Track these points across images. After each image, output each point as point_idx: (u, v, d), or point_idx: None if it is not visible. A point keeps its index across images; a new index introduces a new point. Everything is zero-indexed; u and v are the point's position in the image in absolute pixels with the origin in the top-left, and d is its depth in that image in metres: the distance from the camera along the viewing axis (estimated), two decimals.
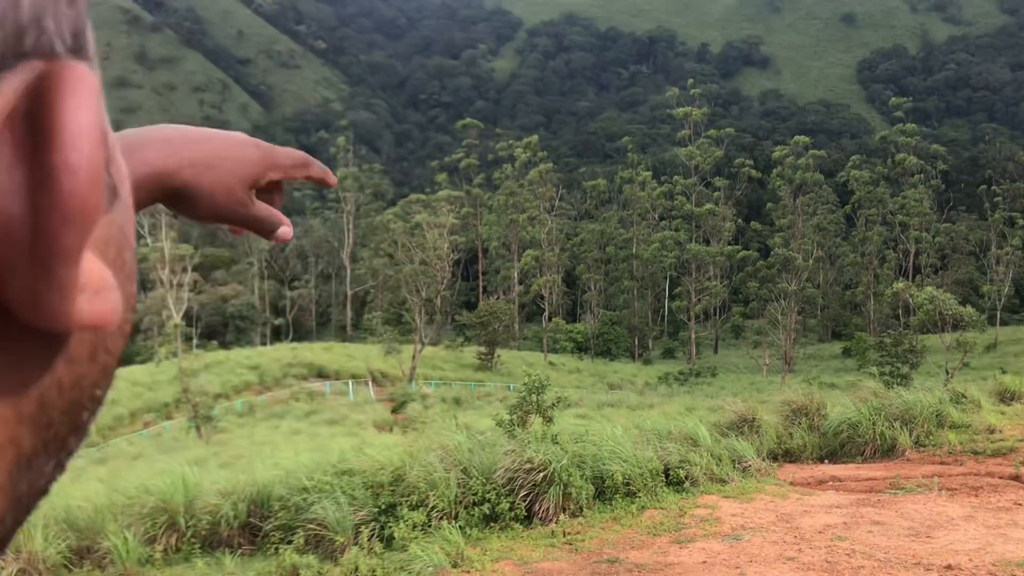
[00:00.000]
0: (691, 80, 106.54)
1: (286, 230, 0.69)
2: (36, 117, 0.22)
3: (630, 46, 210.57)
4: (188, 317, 57.31)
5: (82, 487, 9.83)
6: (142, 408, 39.76)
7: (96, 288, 0.26)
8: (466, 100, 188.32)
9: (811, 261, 73.73)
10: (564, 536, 7.66)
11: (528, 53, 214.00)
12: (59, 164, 0.22)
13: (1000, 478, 8.91)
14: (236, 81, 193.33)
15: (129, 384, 42.38)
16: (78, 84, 0.23)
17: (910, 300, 45.94)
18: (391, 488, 8.28)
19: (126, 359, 53.57)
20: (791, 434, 11.16)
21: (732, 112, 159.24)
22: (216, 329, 68.77)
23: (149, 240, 54.61)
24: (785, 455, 10.88)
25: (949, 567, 6.13)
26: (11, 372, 0.25)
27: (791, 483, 9.34)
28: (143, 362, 51.37)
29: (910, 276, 76.54)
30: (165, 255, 51.30)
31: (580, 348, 70.55)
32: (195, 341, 55.50)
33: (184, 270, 53.17)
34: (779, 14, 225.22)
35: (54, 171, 0.22)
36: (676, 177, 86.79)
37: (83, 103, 0.23)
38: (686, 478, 8.92)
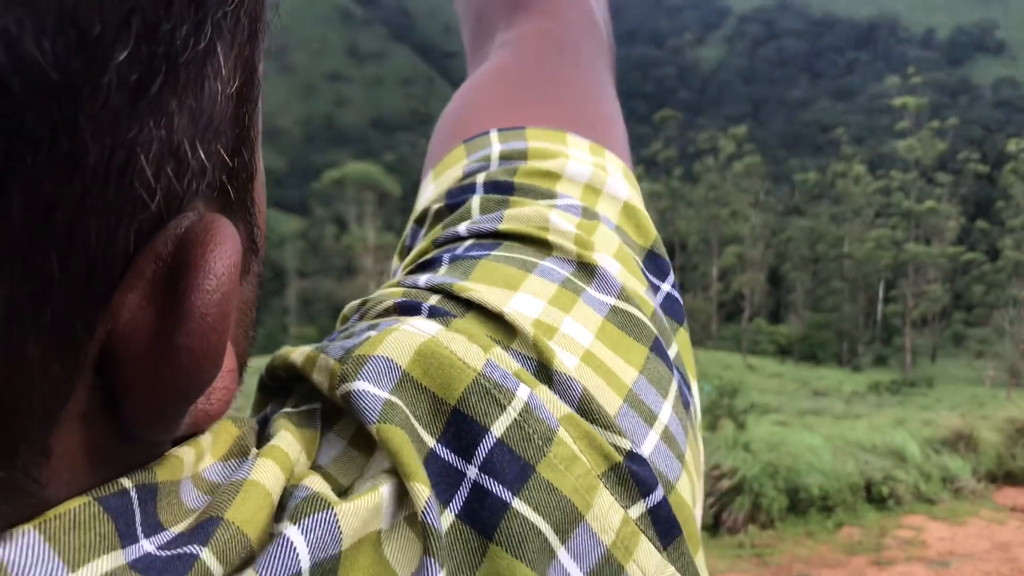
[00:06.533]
0: (911, 68, 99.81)
1: None
2: (176, 266, 0.24)
3: (848, 32, 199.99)
4: None
5: None
6: None
7: (209, 393, 0.29)
8: (668, 90, 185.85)
9: None
10: (752, 548, 7.44)
11: (737, 41, 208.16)
12: (182, 344, 0.24)
13: None
14: (442, 75, 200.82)
15: None
16: (221, 243, 0.24)
17: None
18: None
19: None
20: (1014, 455, 10.24)
21: (960, 102, 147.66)
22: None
23: (355, 228, 57.87)
24: (1005, 478, 10.01)
25: None
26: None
27: (1011, 508, 8.59)
28: None
29: None
30: (369, 243, 54.07)
31: (782, 351, 68.02)
32: None
33: (387, 258, 55.87)
34: None
35: (178, 348, 0.24)
36: (894, 172, 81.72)
37: (219, 267, 0.24)
38: (889, 495, 8.42)
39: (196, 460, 0.29)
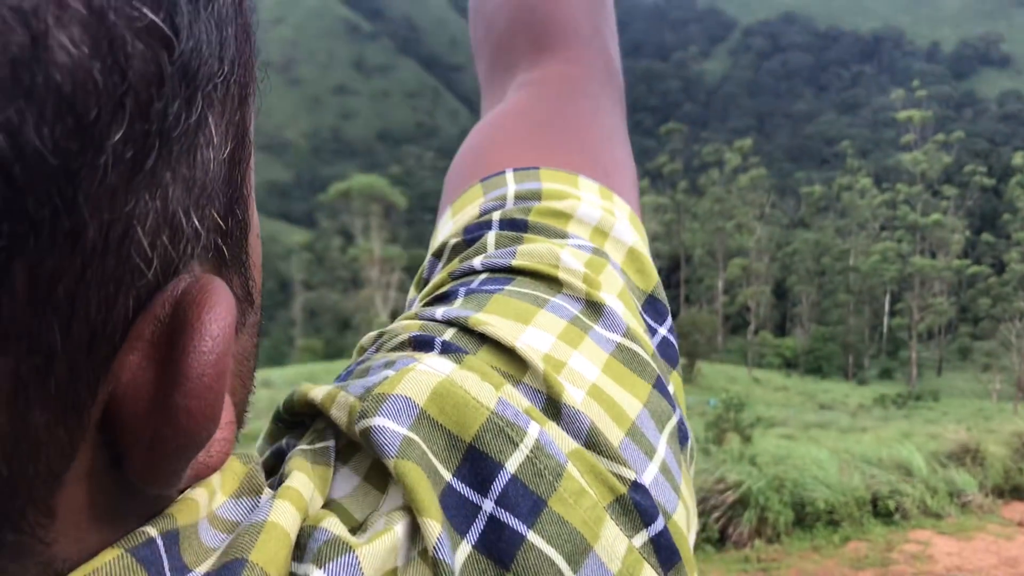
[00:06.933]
0: (916, 81, 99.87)
1: None
2: (173, 328, 0.25)
3: (853, 45, 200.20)
4: (394, 316, 60.08)
5: None
6: None
7: (209, 446, 0.29)
8: (673, 103, 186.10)
9: None
10: (759, 562, 7.42)
11: (741, 54, 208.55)
12: (180, 404, 0.24)
13: None
14: (447, 88, 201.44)
15: None
16: (215, 306, 0.25)
17: None
18: None
19: (336, 353, 57.24)
20: (1021, 469, 10.20)
21: (965, 115, 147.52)
22: None
23: (360, 240, 57.93)
24: (1013, 492, 9.97)
25: None
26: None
27: (1019, 523, 8.56)
28: (351, 356, 54.64)
29: None
30: (375, 255, 54.08)
31: (788, 364, 67.82)
32: None
33: (392, 270, 55.85)
34: (1023, 8, 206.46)
35: (176, 408, 0.24)
36: (899, 185, 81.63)
37: (215, 329, 0.25)
38: (896, 509, 8.39)
39: (209, 499, 0.30)
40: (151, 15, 0.20)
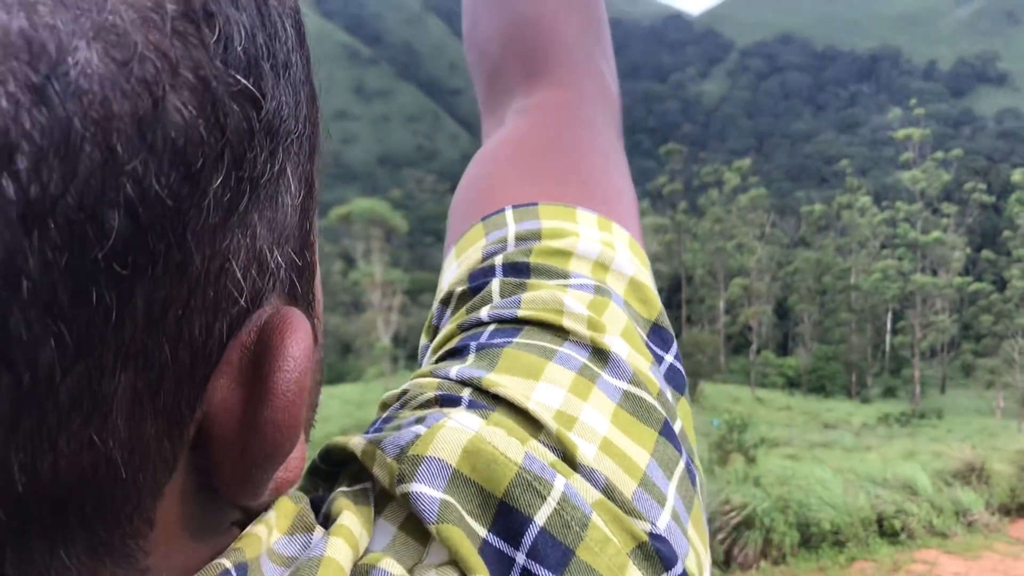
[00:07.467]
0: (913, 100, 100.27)
1: None
2: (258, 353, 0.28)
3: (850, 65, 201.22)
4: (395, 339, 60.19)
5: None
6: (352, 426, 42.11)
7: (287, 463, 0.33)
8: (672, 125, 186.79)
9: None
10: None
11: (739, 75, 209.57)
12: (268, 418, 0.28)
13: None
14: (447, 111, 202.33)
15: (340, 402, 45.16)
16: (295, 331, 0.29)
17: None
18: None
19: (337, 377, 57.05)
20: None
21: (963, 133, 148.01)
22: None
23: (361, 264, 57.95)
24: (1019, 510, 9.92)
25: None
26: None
27: None
28: (353, 381, 54.30)
29: None
30: (376, 279, 54.07)
31: (791, 384, 67.55)
32: (401, 363, 58.17)
33: (394, 293, 55.81)
34: (1019, 26, 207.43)
35: (264, 422, 0.28)
36: (899, 203, 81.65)
37: (296, 351, 0.28)
38: (902, 529, 8.36)
39: (268, 535, 0.33)
40: (244, 81, 0.25)
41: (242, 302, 0.27)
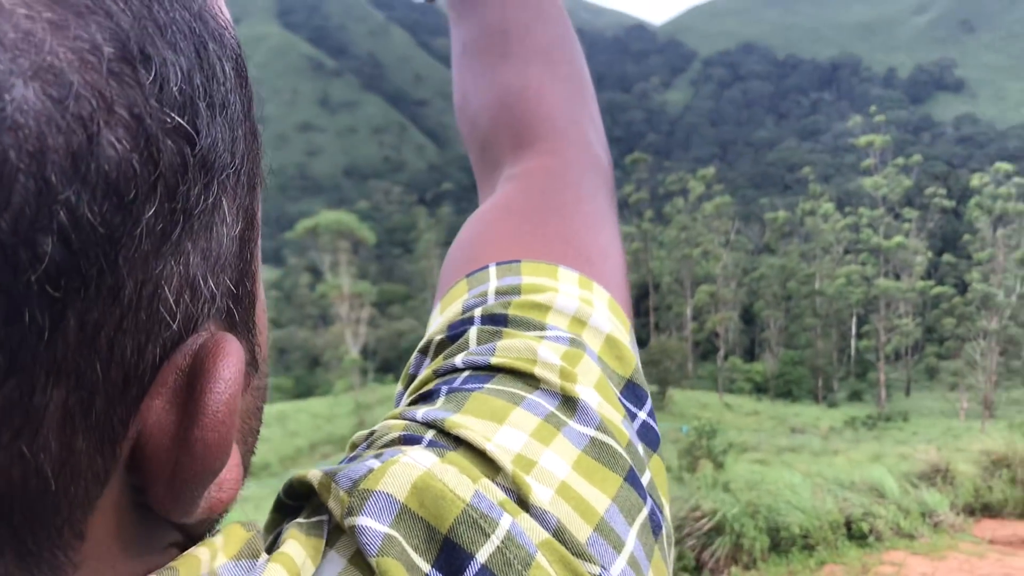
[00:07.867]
0: (873, 107, 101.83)
1: None
2: (192, 375, 0.29)
3: (811, 73, 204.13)
4: (364, 351, 59.78)
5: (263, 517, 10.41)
6: (321, 440, 41.76)
7: (220, 483, 0.34)
8: (637, 134, 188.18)
9: (1014, 298, 68.01)
10: None
11: (702, 84, 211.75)
12: (198, 436, 0.29)
13: None
14: (413, 122, 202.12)
15: (309, 416, 44.70)
16: (227, 355, 0.30)
17: None
18: None
19: (306, 391, 56.39)
20: (991, 487, 10.27)
21: (923, 139, 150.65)
22: (392, 363, 71.25)
23: (329, 276, 57.54)
24: (983, 510, 10.03)
25: None
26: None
27: (990, 541, 8.60)
28: (322, 395, 53.80)
29: None
30: (343, 291, 53.71)
31: (758, 389, 68.13)
32: (371, 375, 57.68)
33: (362, 305, 55.42)
34: (974, 34, 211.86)
35: (194, 441, 0.29)
36: (862, 208, 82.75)
37: (227, 374, 0.30)
38: (870, 532, 8.40)
39: (211, 558, 0.33)
40: (178, 118, 0.26)
41: (175, 326, 0.28)
